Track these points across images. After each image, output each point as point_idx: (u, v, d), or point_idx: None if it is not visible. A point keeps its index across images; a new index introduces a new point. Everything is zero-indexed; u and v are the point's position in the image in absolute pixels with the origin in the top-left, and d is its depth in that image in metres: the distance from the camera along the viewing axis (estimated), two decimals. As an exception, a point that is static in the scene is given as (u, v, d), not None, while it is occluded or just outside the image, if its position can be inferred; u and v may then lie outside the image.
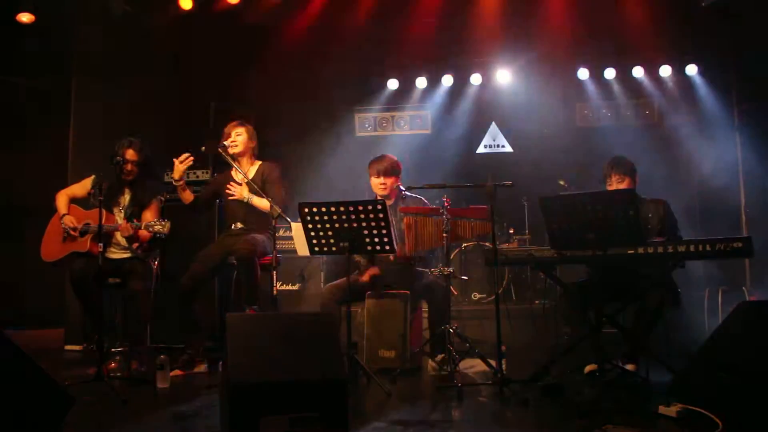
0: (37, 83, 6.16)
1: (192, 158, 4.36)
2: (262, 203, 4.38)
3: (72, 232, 4.34)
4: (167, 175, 5.79)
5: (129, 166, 4.45)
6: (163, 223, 4.17)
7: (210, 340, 4.77)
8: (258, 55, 6.81)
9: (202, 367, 4.40)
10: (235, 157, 4.55)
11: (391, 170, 4.55)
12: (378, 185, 4.57)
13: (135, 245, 4.44)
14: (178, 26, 6.07)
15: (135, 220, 4.37)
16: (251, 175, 4.57)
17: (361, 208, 3.68)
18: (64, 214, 4.42)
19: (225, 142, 4.50)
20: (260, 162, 4.69)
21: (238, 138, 4.56)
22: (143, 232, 4.37)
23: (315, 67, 6.99)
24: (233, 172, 4.62)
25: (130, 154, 4.44)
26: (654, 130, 6.96)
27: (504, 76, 7.17)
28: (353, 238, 3.74)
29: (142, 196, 4.51)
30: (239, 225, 4.52)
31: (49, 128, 6.08)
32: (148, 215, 4.46)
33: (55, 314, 5.77)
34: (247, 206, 4.50)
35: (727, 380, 2.81)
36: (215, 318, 5.29)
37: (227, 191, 4.47)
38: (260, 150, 4.76)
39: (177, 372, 4.25)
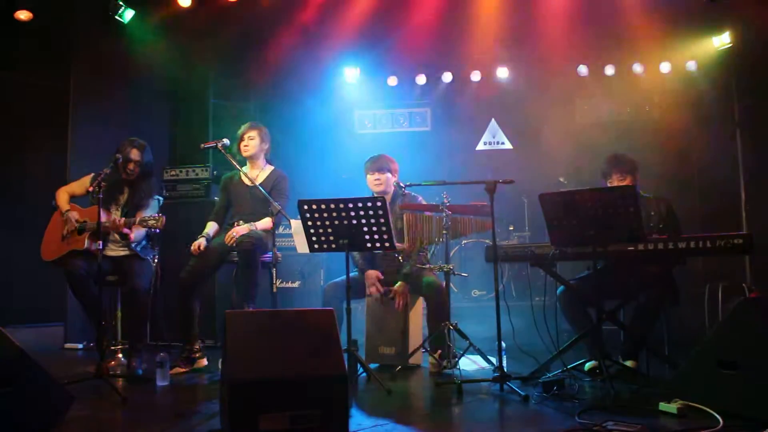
0: (36, 81, 6.14)
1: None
2: (265, 224, 4.40)
3: (74, 225, 4.34)
4: (166, 172, 5.80)
5: (131, 166, 4.44)
6: (157, 217, 4.17)
7: (209, 337, 4.74)
8: (257, 52, 6.80)
9: (203, 363, 4.39)
10: (246, 160, 4.59)
11: (386, 167, 4.56)
12: (372, 181, 4.58)
13: (132, 242, 4.42)
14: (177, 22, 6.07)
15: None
16: (262, 178, 4.57)
17: (360, 204, 3.68)
18: (67, 210, 4.43)
19: (240, 145, 4.56)
20: (273, 168, 4.67)
21: (250, 142, 4.58)
22: (136, 228, 4.36)
23: (315, 64, 6.98)
24: (241, 174, 4.56)
25: (135, 154, 4.44)
26: (654, 126, 6.95)
27: (504, 72, 7.16)
28: (353, 235, 3.74)
29: (140, 196, 4.50)
30: (241, 222, 4.50)
31: (49, 127, 6.06)
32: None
33: (55, 312, 5.76)
34: (251, 204, 4.50)
35: (728, 377, 2.81)
36: (214, 316, 5.28)
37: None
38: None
39: (179, 369, 4.25)
